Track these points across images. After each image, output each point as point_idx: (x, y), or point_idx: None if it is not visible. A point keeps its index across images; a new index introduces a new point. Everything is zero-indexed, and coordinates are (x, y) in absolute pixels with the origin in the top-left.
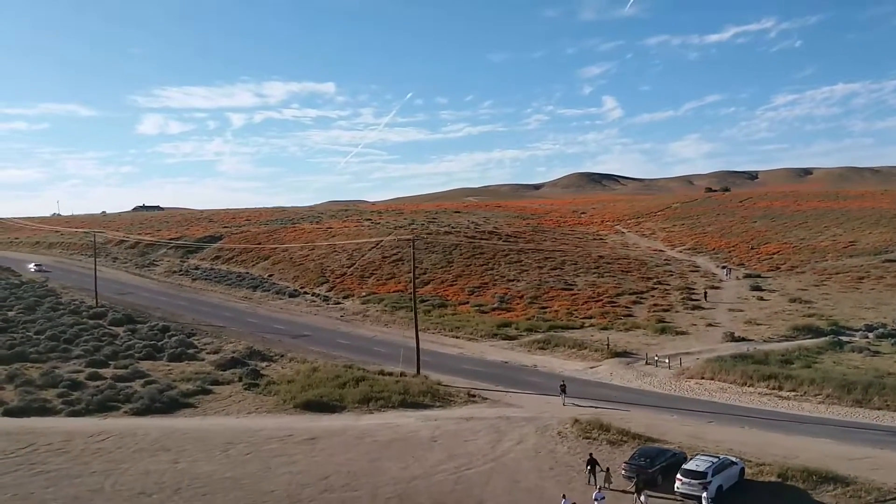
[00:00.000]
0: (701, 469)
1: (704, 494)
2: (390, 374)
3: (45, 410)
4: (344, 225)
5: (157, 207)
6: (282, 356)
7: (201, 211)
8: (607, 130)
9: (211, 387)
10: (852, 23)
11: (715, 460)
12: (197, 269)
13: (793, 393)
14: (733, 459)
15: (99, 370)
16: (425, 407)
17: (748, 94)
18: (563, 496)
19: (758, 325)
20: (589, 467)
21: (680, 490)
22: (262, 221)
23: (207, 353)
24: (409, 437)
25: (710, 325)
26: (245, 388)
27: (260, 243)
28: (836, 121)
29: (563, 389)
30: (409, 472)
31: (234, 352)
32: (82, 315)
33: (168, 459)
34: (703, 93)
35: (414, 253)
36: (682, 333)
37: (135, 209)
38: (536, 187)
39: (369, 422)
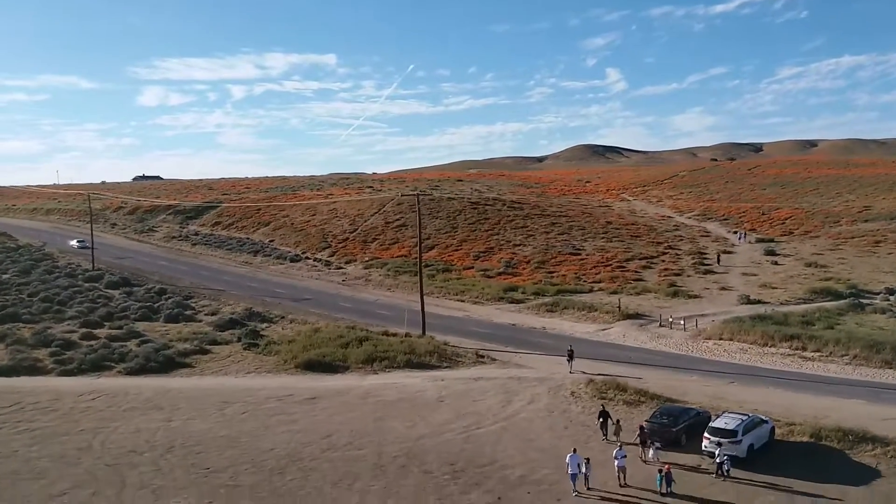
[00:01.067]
0: (730, 427)
1: (718, 451)
2: (395, 334)
3: (35, 370)
4: (345, 192)
5: (157, 178)
6: (282, 318)
7: (200, 180)
8: (610, 103)
9: (209, 347)
10: None
11: (745, 418)
12: (196, 234)
13: (817, 353)
14: (763, 418)
15: (93, 330)
16: (432, 367)
17: (753, 66)
18: (573, 450)
19: (773, 288)
20: (601, 420)
21: (708, 449)
22: (262, 189)
23: (205, 315)
24: (415, 397)
25: (723, 288)
26: (244, 349)
27: (260, 208)
28: (840, 94)
29: (571, 356)
30: (415, 431)
31: (232, 313)
32: (78, 278)
33: (161, 418)
34: (708, 65)
35: (419, 209)
36: (695, 297)
37: (135, 179)
38: (540, 160)
39: (373, 382)
